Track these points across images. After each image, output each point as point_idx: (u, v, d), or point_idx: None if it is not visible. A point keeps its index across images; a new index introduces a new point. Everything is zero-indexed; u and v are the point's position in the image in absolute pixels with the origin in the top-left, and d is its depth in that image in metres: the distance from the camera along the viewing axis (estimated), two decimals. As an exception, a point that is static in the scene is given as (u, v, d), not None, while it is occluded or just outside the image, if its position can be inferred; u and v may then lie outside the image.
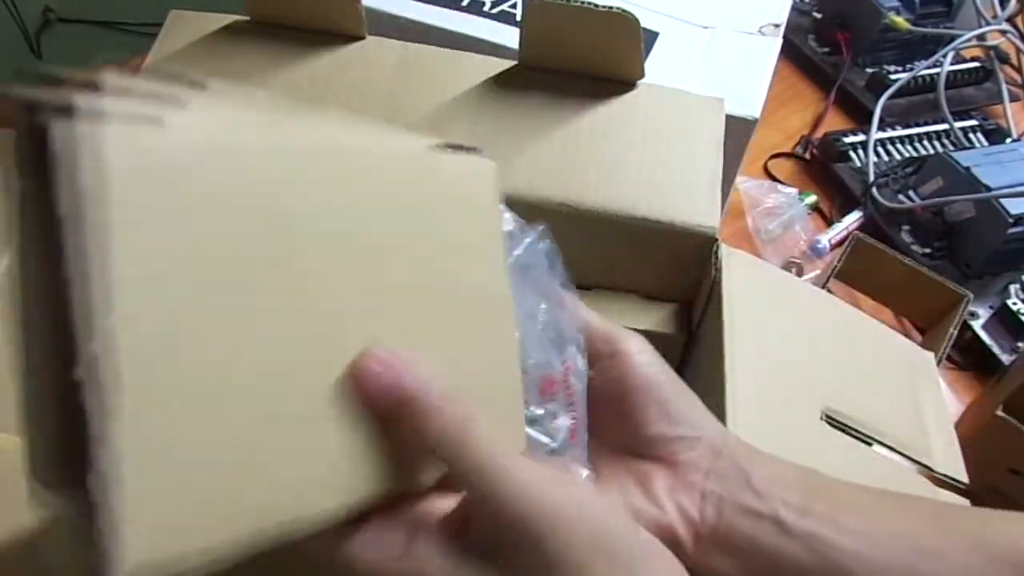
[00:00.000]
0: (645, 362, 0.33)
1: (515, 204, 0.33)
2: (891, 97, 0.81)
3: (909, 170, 0.75)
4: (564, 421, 0.32)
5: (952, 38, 0.83)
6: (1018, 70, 0.89)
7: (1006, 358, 0.63)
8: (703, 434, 0.33)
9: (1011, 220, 0.64)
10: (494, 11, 0.64)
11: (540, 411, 0.32)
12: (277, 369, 0.22)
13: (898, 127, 0.80)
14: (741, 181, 0.75)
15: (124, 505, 0.18)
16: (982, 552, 0.30)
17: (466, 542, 0.25)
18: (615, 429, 0.33)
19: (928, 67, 0.83)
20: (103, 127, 0.18)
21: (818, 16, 0.91)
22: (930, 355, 0.50)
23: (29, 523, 0.36)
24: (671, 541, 0.31)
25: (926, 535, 0.30)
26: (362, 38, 0.55)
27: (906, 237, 0.71)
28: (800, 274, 0.70)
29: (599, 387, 0.34)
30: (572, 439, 0.32)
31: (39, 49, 1.32)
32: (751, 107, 0.57)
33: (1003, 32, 0.84)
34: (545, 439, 0.31)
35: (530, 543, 0.24)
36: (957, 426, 0.44)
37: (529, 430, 0.31)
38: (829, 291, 0.63)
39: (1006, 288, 0.68)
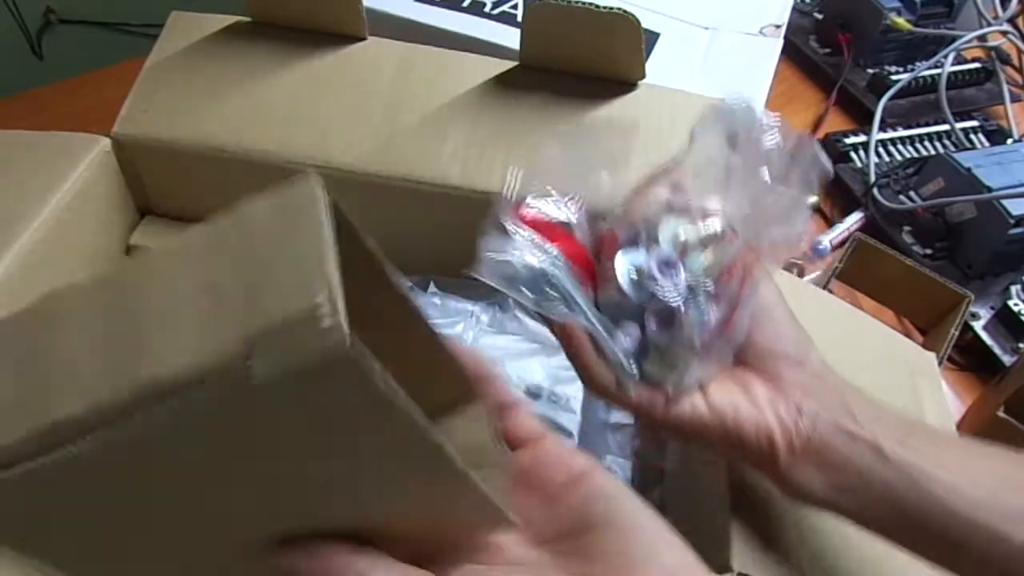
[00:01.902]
0: (770, 287, 0.35)
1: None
2: (892, 98, 0.81)
3: (910, 171, 0.75)
4: (720, 311, 0.33)
5: (953, 39, 0.83)
6: (1019, 71, 0.89)
7: (1007, 359, 0.63)
8: (807, 359, 0.34)
9: (1012, 221, 0.64)
10: (495, 12, 0.64)
11: (709, 292, 0.33)
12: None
13: (899, 128, 0.80)
14: (742, 182, 0.75)
15: None
16: None
17: None
18: None
19: (929, 68, 0.83)
20: None
21: (819, 17, 0.91)
22: (932, 355, 0.49)
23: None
24: (767, 444, 0.33)
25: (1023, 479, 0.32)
26: (363, 39, 0.55)
27: (907, 238, 0.71)
28: (801, 275, 0.70)
29: None
30: (724, 332, 0.33)
31: (40, 50, 1.33)
32: (752, 108, 0.57)
33: (1004, 33, 0.84)
34: (695, 320, 0.33)
35: None
36: (958, 427, 0.44)
37: (689, 310, 0.33)
38: (830, 292, 0.63)
39: (1007, 289, 0.68)
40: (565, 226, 0.34)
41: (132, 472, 0.19)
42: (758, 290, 0.34)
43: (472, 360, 0.29)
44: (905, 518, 0.32)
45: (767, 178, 0.34)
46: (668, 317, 0.33)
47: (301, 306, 0.17)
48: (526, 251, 0.32)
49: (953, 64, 0.83)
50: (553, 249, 0.33)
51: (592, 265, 0.35)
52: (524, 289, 0.32)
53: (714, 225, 0.34)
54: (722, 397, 0.33)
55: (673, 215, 0.34)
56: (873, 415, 0.33)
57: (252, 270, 0.18)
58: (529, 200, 0.34)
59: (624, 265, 0.33)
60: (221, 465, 0.19)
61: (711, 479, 0.41)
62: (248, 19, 0.55)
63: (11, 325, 0.20)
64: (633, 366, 0.33)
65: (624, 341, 0.33)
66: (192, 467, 0.19)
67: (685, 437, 0.34)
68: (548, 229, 0.34)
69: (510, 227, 0.32)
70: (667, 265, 0.33)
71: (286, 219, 0.19)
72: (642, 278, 0.33)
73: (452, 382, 0.28)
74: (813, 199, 0.35)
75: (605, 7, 0.48)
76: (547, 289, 0.32)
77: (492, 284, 0.31)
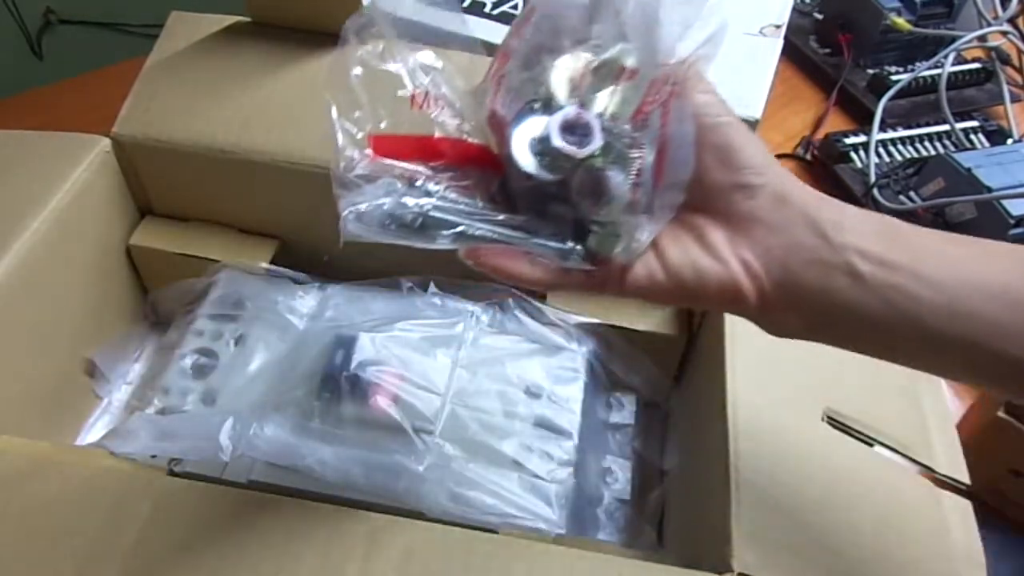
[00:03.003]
0: (703, 102, 0.29)
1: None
2: (892, 98, 0.81)
3: (910, 171, 0.75)
4: (648, 154, 0.28)
5: (953, 39, 0.83)
6: (1019, 71, 0.89)
7: (1007, 359, 0.63)
8: (765, 181, 0.29)
9: (1012, 221, 0.64)
10: (495, 12, 0.64)
11: (628, 139, 0.28)
12: None
13: (899, 128, 0.80)
14: (742, 182, 0.75)
15: None
16: None
17: None
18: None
19: (929, 68, 0.83)
20: None
21: (819, 17, 0.91)
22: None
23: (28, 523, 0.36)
24: (734, 296, 0.29)
25: (1015, 285, 0.28)
26: (363, 39, 0.55)
27: (907, 238, 0.71)
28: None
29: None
30: (657, 182, 0.28)
31: (40, 50, 1.33)
32: (752, 108, 0.57)
33: (1004, 33, 0.84)
34: (622, 178, 0.28)
35: None
36: (958, 427, 0.44)
37: (611, 169, 0.28)
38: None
39: (1007, 289, 0.68)
40: (441, 128, 0.29)
41: None
42: (690, 112, 0.28)
43: None
44: (895, 342, 0.29)
45: None
46: (594, 183, 0.28)
47: None
48: (389, 193, 0.27)
49: (953, 64, 0.83)
50: (425, 172, 0.28)
51: (495, 157, 0.29)
52: (406, 235, 0.27)
53: (606, 51, 0.28)
54: (677, 253, 0.29)
55: (555, 59, 0.29)
56: (847, 227, 0.29)
57: None
58: (380, 127, 0.29)
59: (523, 143, 0.28)
60: None
61: (711, 478, 0.41)
62: (248, 19, 0.55)
63: None
64: (576, 249, 0.29)
65: (550, 234, 0.29)
66: None
67: (649, 301, 0.31)
68: (416, 147, 0.29)
69: (361, 170, 0.28)
70: (571, 125, 0.28)
71: None
72: (548, 150, 0.28)
73: None
74: None
75: (605, 7, 0.48)
76: (433, 224, 0.27)
77: (370, 238, 0.27)
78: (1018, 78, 0.89)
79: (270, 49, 0.54)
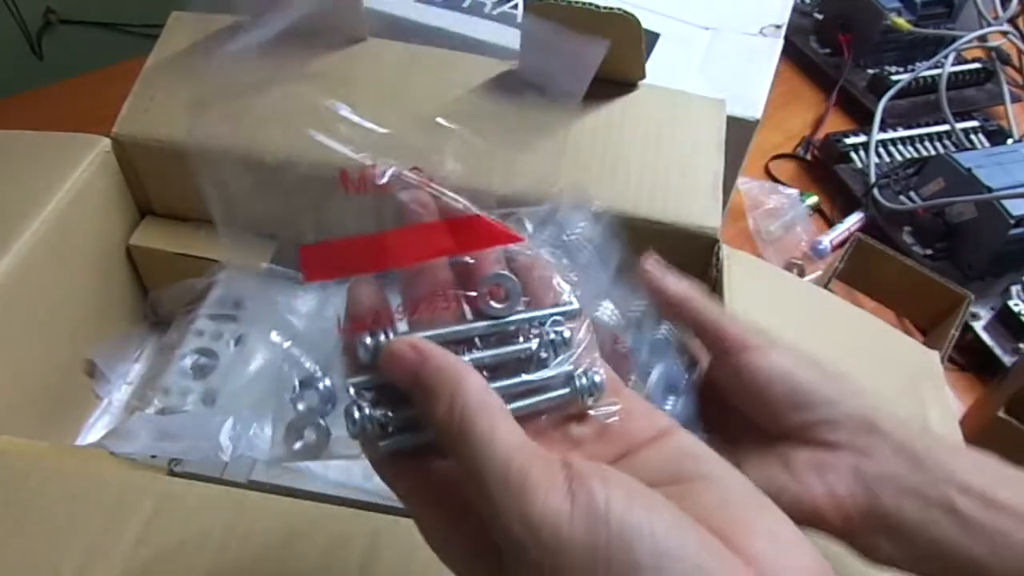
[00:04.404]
0: (761, 363, 0.30)
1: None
2: (892, 98, 0.81)
3: (910, 171, 0.75)
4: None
5: (953, 39, 0.83)
6: (1019, 71, 0.89)
7: (1007, 359, 0.63)
8: (843, 412, 0.30)
9: (1012, 221, 0.64)
10: (495, 12, 0.64)
11: None
12: None
13: (899, 128, 0.80)
14: (742, 182, 0.75)
15: None
16: None
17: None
18: (752, 424, 0.31)
19: (929, 68, 0.83)
20: None
21: (819, 17, 0.91)
22: (935, 354, 0.49)
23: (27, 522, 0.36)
24: (815, 519, 0.29)
25: None
26: (363, 39, 0.55)
27: (907, 238, 0.71)
28: (801, 275, 0.70)
29: (722, 384, 0.32)
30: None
31: (40, 50, 1.33)
32: (752, 108, 0.57)
33: (1004, 33, 0.84)
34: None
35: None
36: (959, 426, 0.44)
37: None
38: (831, 292, 0.63)
39: (1007, 289, 0.68)
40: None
41: None
42: (751, 373, 0.30)
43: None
44: None
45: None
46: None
47: None
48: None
49: (953, 64, 0.83)
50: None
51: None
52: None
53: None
54: (758, 476, 0.27)
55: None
56: (945, 458, 0.28)
57: None
58: None
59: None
60: None
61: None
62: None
63: None
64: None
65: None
66: None
67: None
68: (365, 251, 0.27)
69: None
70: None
71: None
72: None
73: None
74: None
75: (605, 7, 0.48)
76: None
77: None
78: (1018, 78, 0.89)
79: (270, 49, 0.54)
